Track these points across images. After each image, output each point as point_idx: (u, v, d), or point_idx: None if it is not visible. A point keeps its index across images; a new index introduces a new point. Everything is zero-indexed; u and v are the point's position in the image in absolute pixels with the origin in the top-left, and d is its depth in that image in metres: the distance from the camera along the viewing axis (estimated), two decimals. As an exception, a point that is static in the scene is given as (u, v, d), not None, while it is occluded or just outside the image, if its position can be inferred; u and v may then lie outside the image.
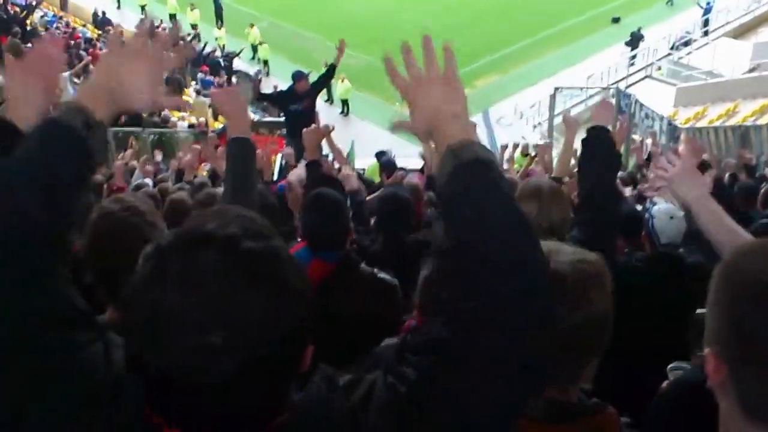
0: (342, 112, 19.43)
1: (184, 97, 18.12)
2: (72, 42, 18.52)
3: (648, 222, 3.03)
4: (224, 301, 0.76)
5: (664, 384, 2.04)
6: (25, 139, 1.07)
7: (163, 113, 15.68)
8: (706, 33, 21.71)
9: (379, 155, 7.76)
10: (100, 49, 18.64)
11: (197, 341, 0.75)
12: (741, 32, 21.69)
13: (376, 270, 2.53)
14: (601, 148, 2.37)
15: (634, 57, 20.94)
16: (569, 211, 2.37)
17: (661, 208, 3.14)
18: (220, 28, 21.43)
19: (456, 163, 1.00)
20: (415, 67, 1.12)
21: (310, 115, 8.98)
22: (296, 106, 8.64)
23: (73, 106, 1.08)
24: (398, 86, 1.13)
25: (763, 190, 5.01)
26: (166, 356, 0.77)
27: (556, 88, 17.00)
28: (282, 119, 11.37)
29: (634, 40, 21.12)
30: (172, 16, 22.10)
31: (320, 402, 0.89)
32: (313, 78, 8.93)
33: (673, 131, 14.52)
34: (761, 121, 15.36)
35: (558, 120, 17.34)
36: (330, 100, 19.83)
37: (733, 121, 16.15)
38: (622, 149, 14.89)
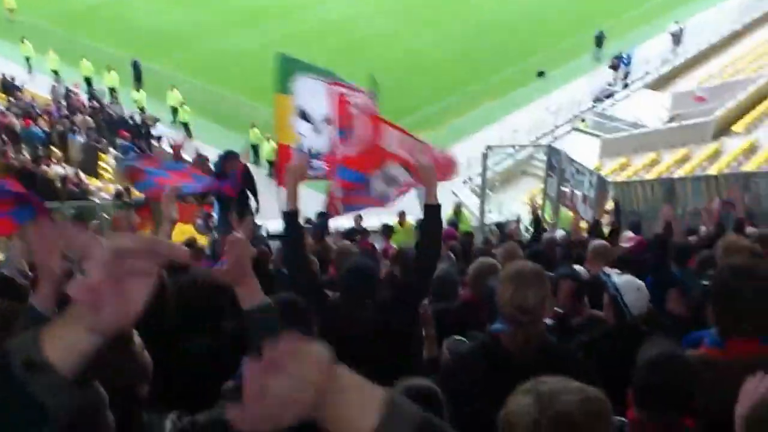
0: (269, 173, 18.79)
1: (102, 164, 17.16)
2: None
3: (615, 296, 3.23)
4: None
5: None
6: None
7: (81, 184, 14.76)
8: (626, 85, 22.25)
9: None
10: (9, 117, 17.55)
11: None
12: (660, 84, 22.35)
13: None
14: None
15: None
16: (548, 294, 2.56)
17: (624, 280, 3.25)
18: (138, 91, 20.62)
19: None
20: None
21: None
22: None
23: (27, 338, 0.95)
24: None
25: (700, 257, 4.83)
26: None
27: (488, 147, 16.80)
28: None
29: (615, 64, 22.28)
30: (88, 80, 21.19)
31: None
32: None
33: (602, 185, 14.61)
34: (682, 171, 15.60)
35: (489, 174, 17.25)
36: (256, 161, 19.20)
37: (655, 171, 16.35)
38: (547, 207, 14.99)
